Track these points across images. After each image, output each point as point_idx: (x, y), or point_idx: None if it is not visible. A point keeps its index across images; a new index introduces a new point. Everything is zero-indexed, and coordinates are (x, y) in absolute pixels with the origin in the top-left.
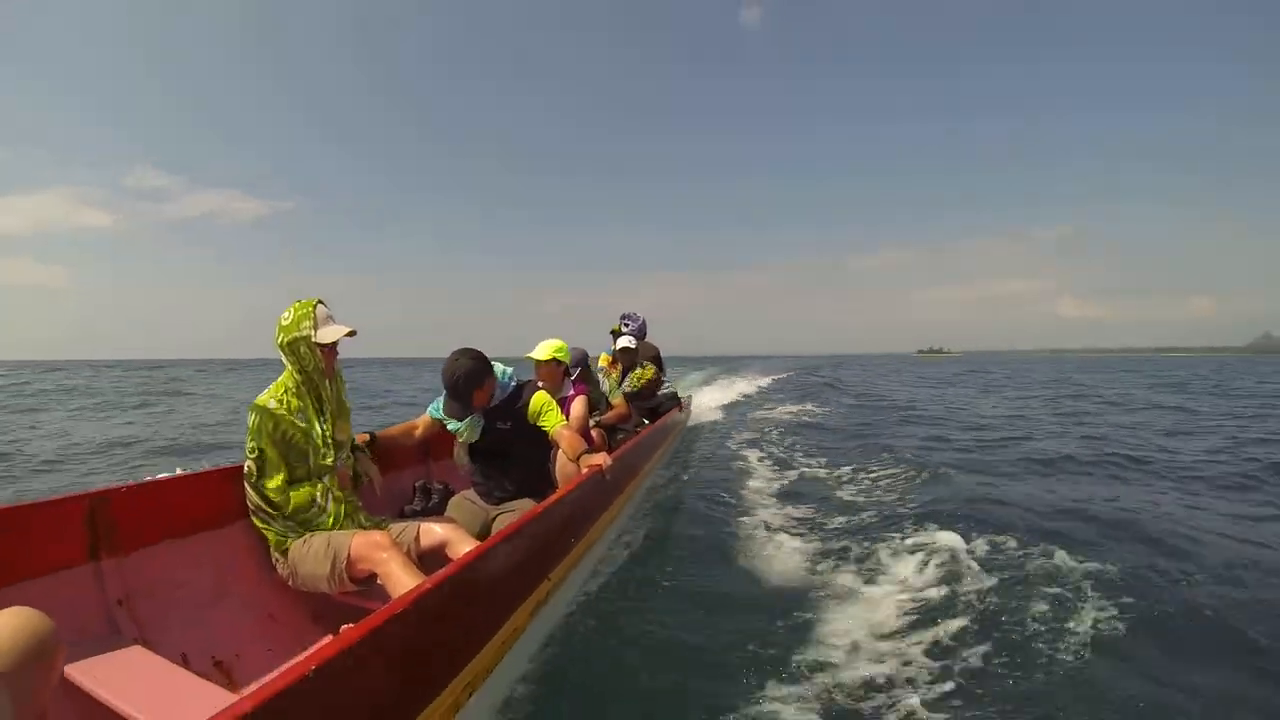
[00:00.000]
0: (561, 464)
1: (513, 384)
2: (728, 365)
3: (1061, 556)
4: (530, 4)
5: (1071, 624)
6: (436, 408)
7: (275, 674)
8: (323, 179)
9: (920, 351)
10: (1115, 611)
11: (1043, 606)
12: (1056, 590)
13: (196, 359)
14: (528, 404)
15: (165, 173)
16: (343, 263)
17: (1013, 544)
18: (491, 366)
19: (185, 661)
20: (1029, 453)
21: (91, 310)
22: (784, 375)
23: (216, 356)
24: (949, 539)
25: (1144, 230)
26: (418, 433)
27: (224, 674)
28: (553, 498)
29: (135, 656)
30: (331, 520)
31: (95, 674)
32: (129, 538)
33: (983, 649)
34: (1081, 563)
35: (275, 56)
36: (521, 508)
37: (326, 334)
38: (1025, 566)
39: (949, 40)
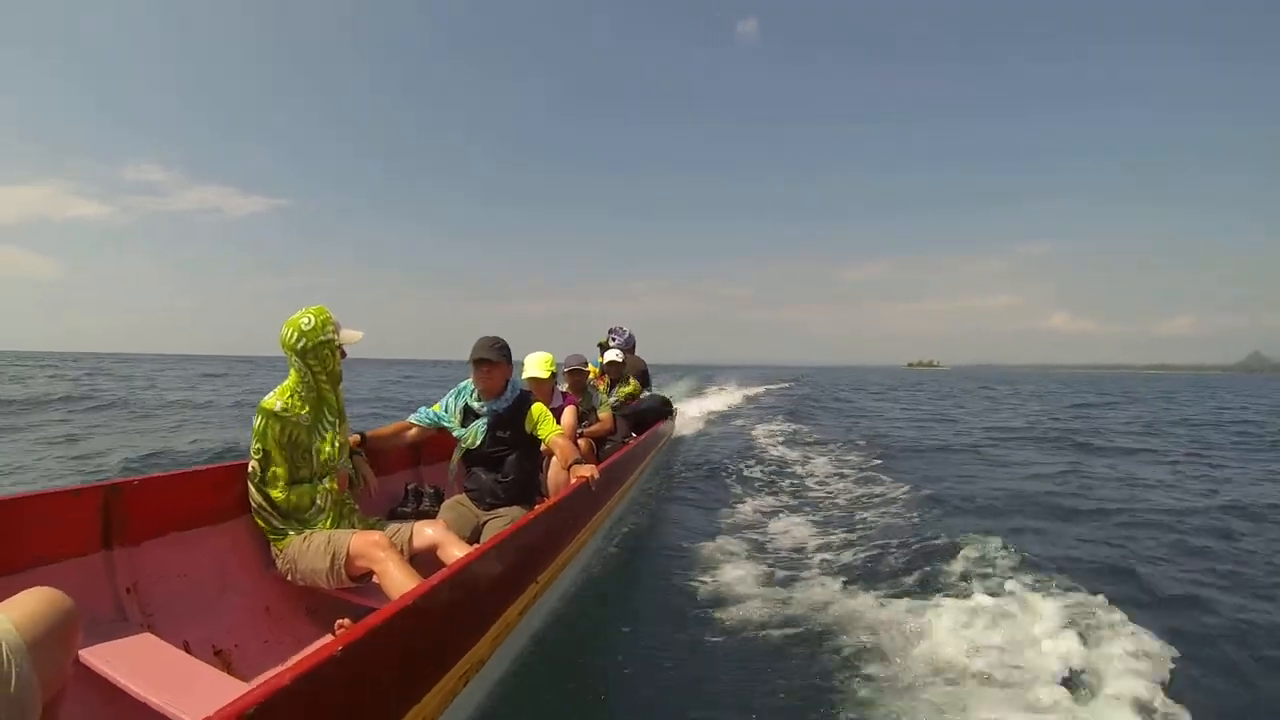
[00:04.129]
0: (554, 472)
1: (518, 391)
2: (712, 374)
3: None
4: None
5: None
6: (434, 417)
7: (291, 662)
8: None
9: (910, 364)
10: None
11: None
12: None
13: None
14: (527, 414)
15: (161, 167)
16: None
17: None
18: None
19: (187, 649)
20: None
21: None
22: (772, 386)
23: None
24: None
25: (1128, 251)
26: (410, 433)
27: (224, 663)
28: (542, 506)
29: (144, 642)
30: (329, 520)
31: (107, 657)
32: (139, 528)
33: None
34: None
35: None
36: (511, 514)
37: (346, 337)
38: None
39: (940, 53)
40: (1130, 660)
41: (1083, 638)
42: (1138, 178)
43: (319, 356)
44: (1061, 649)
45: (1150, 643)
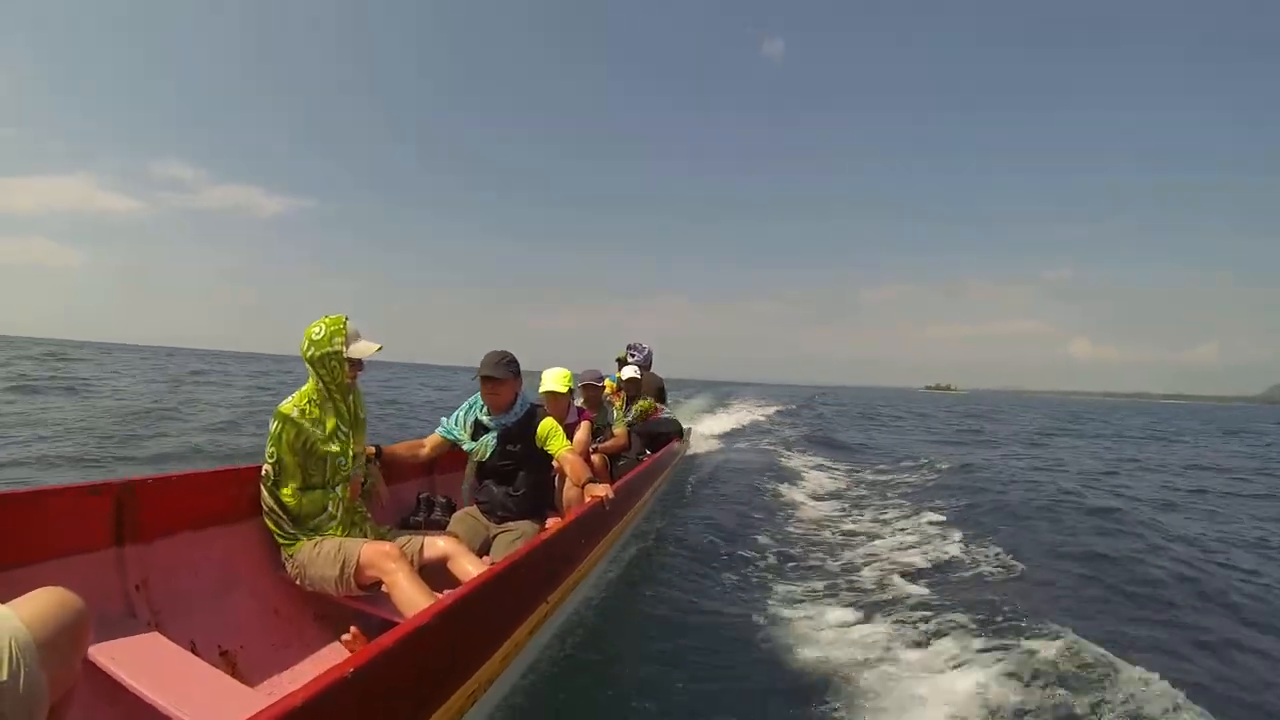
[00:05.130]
0: (566, 489)
1: (527, 406)
2: (730, 391)
3: None
4: (540, 53)
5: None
6: (447, 429)
7: (289, 680)
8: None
9: (928, 387)
10: None
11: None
12: None
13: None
14: (537, 428)
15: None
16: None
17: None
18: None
19: (194, 648)
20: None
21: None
22: (787, 405)
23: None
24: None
25: (1149, 277)
26: (424, 451)
27: (229, 664)
28: (555, 527)
29: (151, 641)
30: (340, 527)
31: (113, 655)
32: (151, 527)
33: None
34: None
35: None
36: (521, 529)
37: (357, 350)
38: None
39: (965, 84)
40: None
41: None
42: (1162, 202)
43: (327, 367)
44: None
45: None
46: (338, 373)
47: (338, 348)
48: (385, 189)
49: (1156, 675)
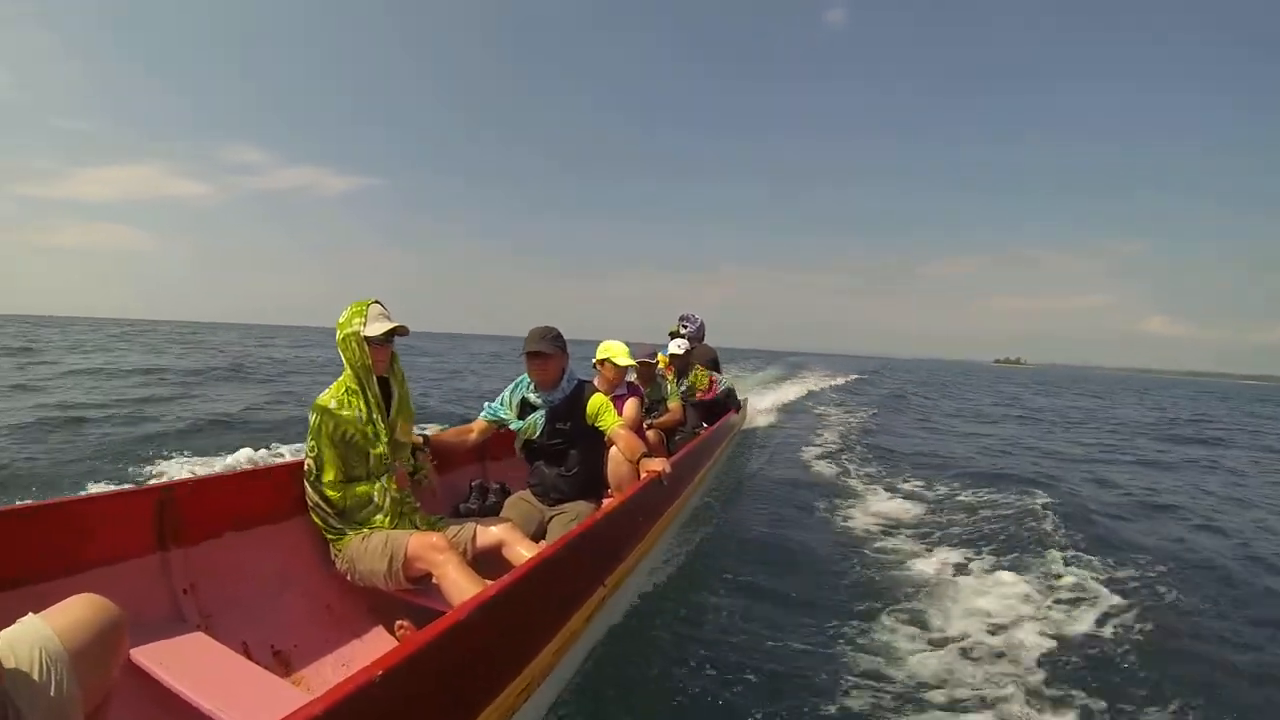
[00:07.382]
0: (616, 465)
1: (575, 382)
2: (798, 362)
3: None
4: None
5: None
6: (492, 410)
7: (343, 677)
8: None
9: (998, 360)
10: None
11: None
12: None
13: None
14: (586, 405)
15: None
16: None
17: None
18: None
19: (246, 649)
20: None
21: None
22: (855, 376)
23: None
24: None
25: (1228, 254)
26: (472, 436)
27: (282, 663)
28: (611, 504)
29: (198, 643)
30: (388, 519)
31: (159, 658)
32: (195, 529)
33: None
34: None
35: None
36: (576, 509)
37: (373, 328)
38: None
39: (1032, 58)
40: None
41: None
42: (1245, 172)
43: (347, 349)
44: None
45: None
46: (354, 354)
47: (356, 328)
48: (457, 168)
49: None
